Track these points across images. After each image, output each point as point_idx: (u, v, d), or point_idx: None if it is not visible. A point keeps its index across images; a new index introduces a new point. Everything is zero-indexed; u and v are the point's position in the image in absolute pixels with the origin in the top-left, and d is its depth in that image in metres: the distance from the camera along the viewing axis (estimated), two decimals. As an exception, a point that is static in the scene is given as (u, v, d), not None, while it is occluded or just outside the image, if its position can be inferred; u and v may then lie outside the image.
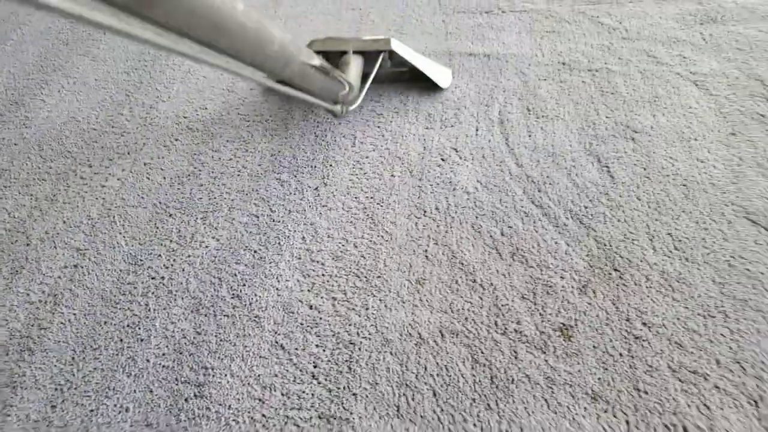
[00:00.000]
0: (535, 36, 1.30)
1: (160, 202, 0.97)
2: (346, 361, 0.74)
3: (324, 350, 0.75)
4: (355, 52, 1.07)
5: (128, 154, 1.07)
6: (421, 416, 0.68)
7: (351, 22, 1.41)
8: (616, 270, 0.82)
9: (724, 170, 0.95)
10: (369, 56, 1.08)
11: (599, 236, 0.87)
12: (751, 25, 1.24)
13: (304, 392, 0.71)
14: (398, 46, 1.08)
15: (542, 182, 0.96)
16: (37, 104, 1.20)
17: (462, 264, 0.84)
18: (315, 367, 0.74)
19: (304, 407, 0.70)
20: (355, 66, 1.04)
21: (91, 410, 0.71)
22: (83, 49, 1.36)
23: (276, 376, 0.73)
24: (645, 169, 0.97)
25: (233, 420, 0.69)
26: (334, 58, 1.07)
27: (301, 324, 0.78)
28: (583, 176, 0.97)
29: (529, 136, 1.05)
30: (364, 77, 1.07)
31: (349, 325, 0.78)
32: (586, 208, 0.91)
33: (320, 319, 0.79)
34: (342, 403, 0.70)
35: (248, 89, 1.19)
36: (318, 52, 0.99)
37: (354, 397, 0.70)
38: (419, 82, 1.16)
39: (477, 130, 1.07)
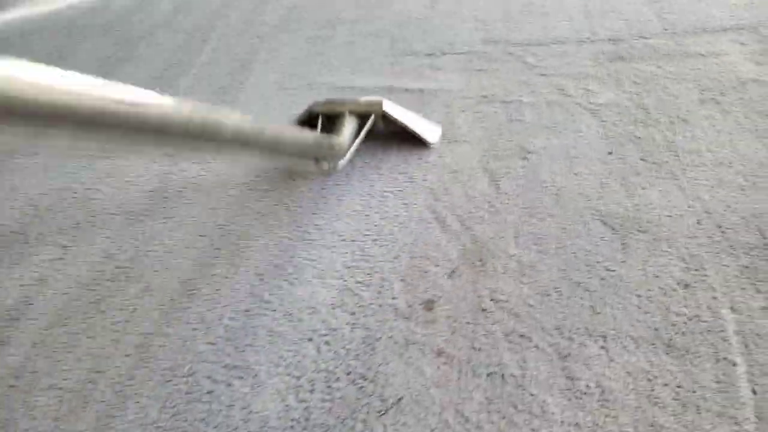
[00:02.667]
0: (466, 74, 1.53)
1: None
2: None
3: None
4: (350, 113, 1.22)
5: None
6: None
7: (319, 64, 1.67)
8: (480, 260, 1.03)
9: (594, 182, 1.15)
10: (365, 117, 1.24)
11: (475, 234, 1.08)
12: (652, 63, 1.45)
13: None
14: (390, 108, 1.23)
15: (440, 193, 1.18)
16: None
17: (362, 253, 1.06)
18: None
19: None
20: (349, 126, 1.19)
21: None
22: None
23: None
24: (529, 182, 1.17)
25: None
26: (333, 118, 1.23)
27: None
28: (474, 188, 1.18)
29: (439, 157, 1.27)
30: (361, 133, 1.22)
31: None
32: (470, 213, 1.12)
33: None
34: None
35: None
36: (318, 114, 1.23)
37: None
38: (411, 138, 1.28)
39: (398, 150, 1.30)
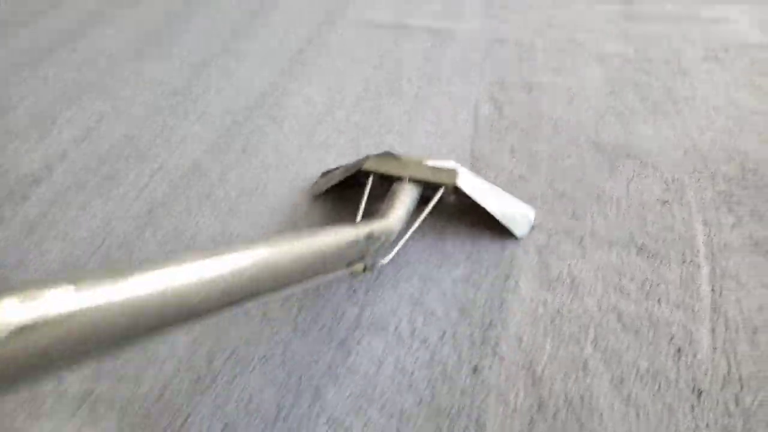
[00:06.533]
0: (484, 19, 1.60)
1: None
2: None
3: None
4: (411, 180, 0.89)
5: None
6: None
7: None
8: (487, 166, 1.10)
9: (592, 116, 1.22)
10: (429, 187, 0.90)
11: (474, 149, 1.15)
12: (660, 24, 1.51)
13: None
14: (466, 182, 0.90)
15: (445, 116, 1.25)
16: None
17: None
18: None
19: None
20: (405, 199, 0.85)
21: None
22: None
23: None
24: (528, 111, 1.24)
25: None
26: (387, 180, 0.91)
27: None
28: (478, 114, 1.25)
29: (448, 85, 1.34)
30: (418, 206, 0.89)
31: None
32: (471, 134, 1.19)
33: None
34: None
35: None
36: (370, 172, 0.92)
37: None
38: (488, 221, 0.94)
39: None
